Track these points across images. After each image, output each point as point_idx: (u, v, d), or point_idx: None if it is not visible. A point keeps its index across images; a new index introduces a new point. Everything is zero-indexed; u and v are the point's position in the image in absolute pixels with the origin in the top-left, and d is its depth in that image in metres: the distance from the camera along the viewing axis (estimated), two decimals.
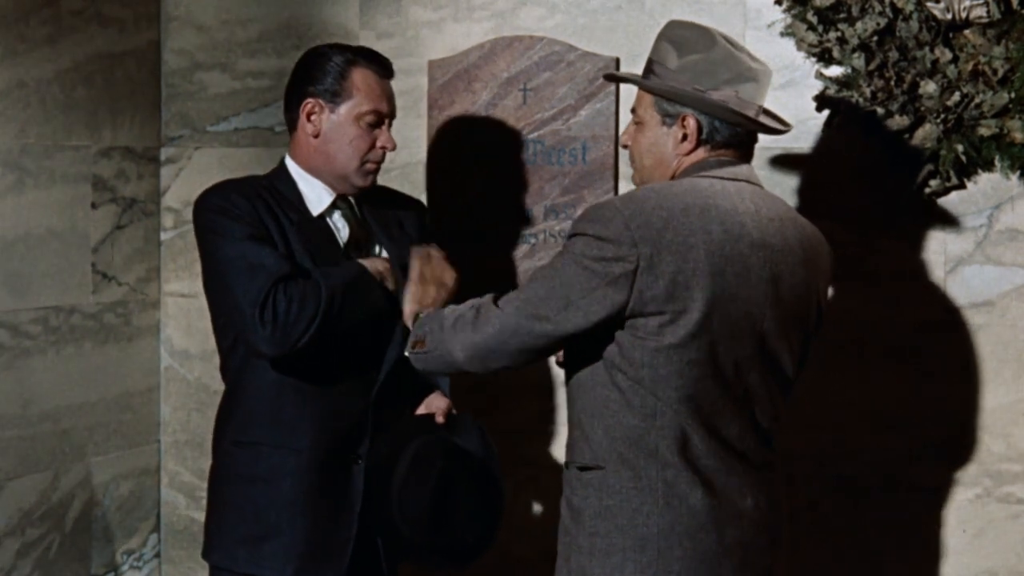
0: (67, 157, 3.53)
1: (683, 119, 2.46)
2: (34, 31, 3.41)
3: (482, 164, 3.52)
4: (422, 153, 3.58)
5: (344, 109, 2.81)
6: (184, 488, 3.84)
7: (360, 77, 2.81)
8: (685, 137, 2.47)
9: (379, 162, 2.86)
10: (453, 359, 2.50)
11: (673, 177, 2.49)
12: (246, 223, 2.75)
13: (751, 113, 2.47)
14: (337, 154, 2.83)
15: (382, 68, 2.85)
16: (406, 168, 3.60)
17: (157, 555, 3.90)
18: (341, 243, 2.87)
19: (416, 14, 3.58)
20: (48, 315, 3.49)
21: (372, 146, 2.83)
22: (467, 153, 3.53)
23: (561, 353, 2.61)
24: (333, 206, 2.87)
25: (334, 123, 2.82)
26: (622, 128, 3.41)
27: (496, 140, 3.50)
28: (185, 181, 3.76)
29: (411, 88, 3.59)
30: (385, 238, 2.91)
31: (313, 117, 2.82)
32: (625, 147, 2.59)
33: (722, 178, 2.44)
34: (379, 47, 3.60)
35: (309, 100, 2.82)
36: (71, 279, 3.57)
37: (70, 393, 3.57)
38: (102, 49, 3.63)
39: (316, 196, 2.86)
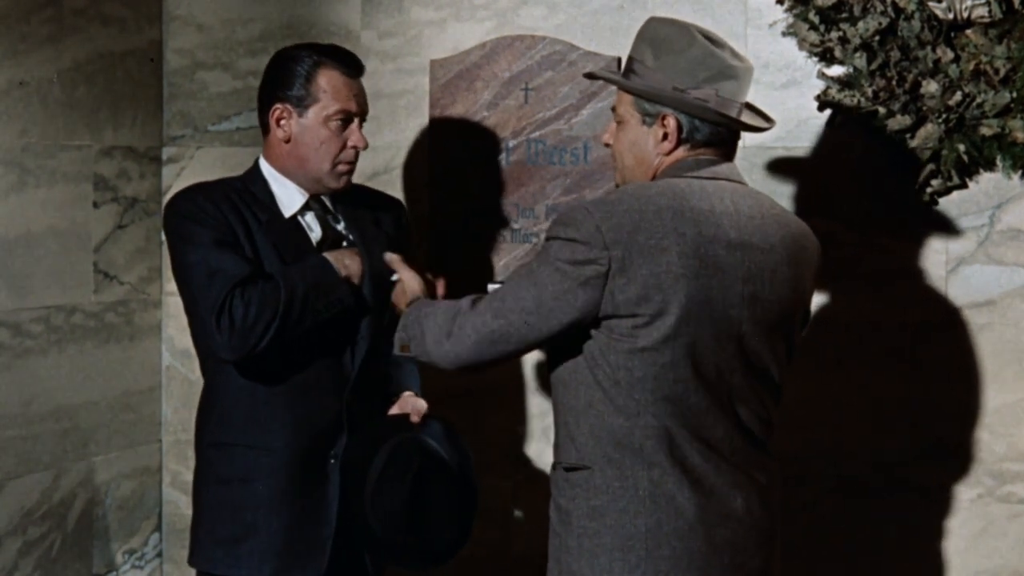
0: (69, 156, 3.53)
1: (663, 119, 2.45)
2: (36, 30, 3.41)
3: (484, 163, 3.52)
4: (423, 152, 3.58)
5: (312, 112, 2.81)
6: (185, 488, 3.84)
7: (326, 79, 2.81)
8: (665, 136, 2.46)
9: (351, 162, 2.85)
10: (440, 367, 2.51)
11: (654, 176, 2.48)
12: (211, 227, 2.76)
13: (732, 111, 2.45)
14: (309, 157, 2.83)
15: (349, 67, 2.84)
16: (407, 167, 3.60)
17: (159, 554, 3.90)
18: (314, 242, 2.86)
19: (418, 13, 3.58)
20: (50, 314, 3.49)
21: (343, 146, 2.83)
22: (469, 152, 3.53)
23: None
24: (306, 207, 2.88)
25: (304, 127, 2.82)
26: None
27: (498, 140, 3.50)
28: (187, 180, 3.75)
29: (413, 87, 3.59)
30: (358, 237, 2.90)
31: (283, 122, 2.83)
32: (607, 146, 2.58)
33: (701, 178, 2.43)
34: (381, 46, 3.60)
35: (278, 106, 2.83)
36: (73, 278, 3.57)
37: (72, 392, 3.57)
38: (104, 48, 3.63)
39: (288, 197, 2.86)
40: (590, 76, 2.68)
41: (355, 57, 2.87)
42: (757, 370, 2.44)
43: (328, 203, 2.91)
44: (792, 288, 2.46)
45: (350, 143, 2.83)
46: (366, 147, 2.85)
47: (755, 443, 2.47)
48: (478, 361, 2.45)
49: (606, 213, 2.34)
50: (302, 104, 2.81)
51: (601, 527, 2.39)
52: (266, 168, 2.89)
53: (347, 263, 2.81)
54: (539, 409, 3.54)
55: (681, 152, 2.47)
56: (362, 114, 2.85)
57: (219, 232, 2.76)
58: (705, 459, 2.38)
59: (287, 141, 2.83)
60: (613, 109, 2.55)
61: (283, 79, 2.82)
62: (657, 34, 2.49)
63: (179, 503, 3.87)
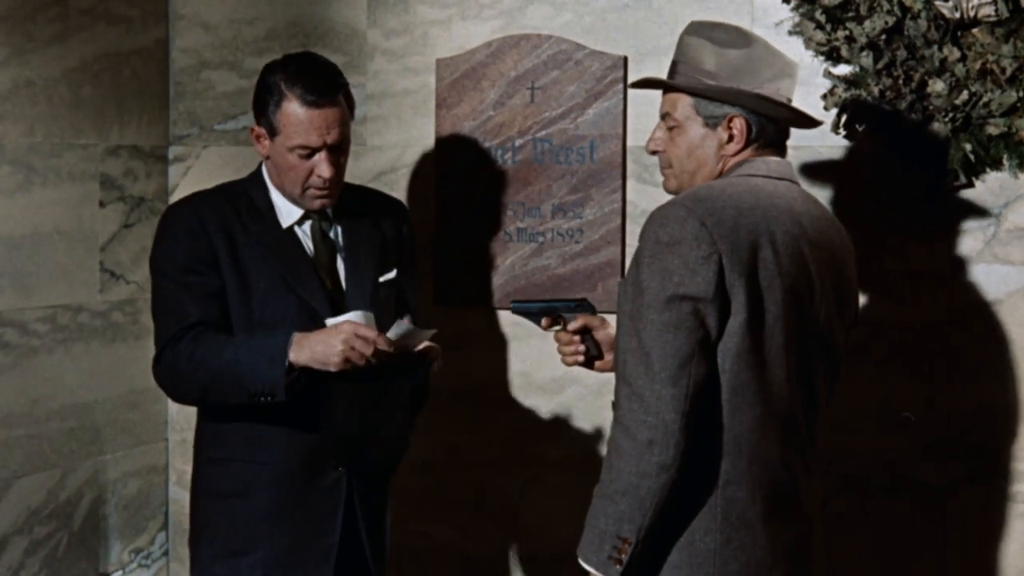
0: (75, 155, 3.54)
1: (729, 120, 2.40)
2: (42, 30, 3.41)
3: (489, 162, 3.52)
4: (430, 151, 3.58)
5: (279, 140, 2.79)
6: None
7: (288, 111, 2.76)
8: (731, 138, 2.40)
9: (321, 188, 2.79)
10: (662, 467, 2.22)
11: (717, 179, 2.42)
12: (185, 252, 2.77)
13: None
14: (283, 178, 2.82)
15: (313, 95, 2.75)
16: (413, 166, 3.60)
17: (165, 553, 3.91)
18: (310, 253, 2.85)
19: (424, 12, 3.58)
20: (56, 313, 3.50)
21: (310, 174, 2.78)
22: (474, 151, 3.53)
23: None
24: (305, 217, 2.86)
25: (275, 151, 2.81)
26: (631, 125, 3.41)
27: (504, 139, 3.50)
28: (193, 179, 3.76)
29: (419, 87, 3.59)
30: (348, 251, 2.87)
31: (261, 141, 2.84)
32: (654, 153, 2.50)
33: (771, 177, 2.39)
34: (387, 45, 3.60)
35: (254, 127, 2.84)
36: (79, 277, 3.57)
37: (78, 391, 3.58)
38: (110, 48, 3.63)
39: (287, 208, 2.86)
40: (647, 84, 2.56)
41: (324, 82, 2.77)
42: (830, 368, 2.42)
43: (329, 212, 2.88)
44: (849, 287, 2.47)
45: (315, 173, 2.78)
46: (332, 176, 2.78)
47: (813, 444, 2.42)
48: (682, 424, 2.21)
49: (707, 209, 2.26)
50: (271, 129, 2.79)
51: (668, 544, 2.30)
52: (267, 177, 2.89)
53: (319, 350, 2.64)
54: (543, 408, 3.53)
55: (748, 153, 2.42)
56: (327, 145, 2.77)
57: (193, 258, 2.77)
58: (782, 468, 2.32)
59: (267, 158, 2.85)
60: (664, 115, 2.46)
61: (259, 102, 2.82)
62: (712, 35, 2.43)
63: (185, 502, 3.86)
